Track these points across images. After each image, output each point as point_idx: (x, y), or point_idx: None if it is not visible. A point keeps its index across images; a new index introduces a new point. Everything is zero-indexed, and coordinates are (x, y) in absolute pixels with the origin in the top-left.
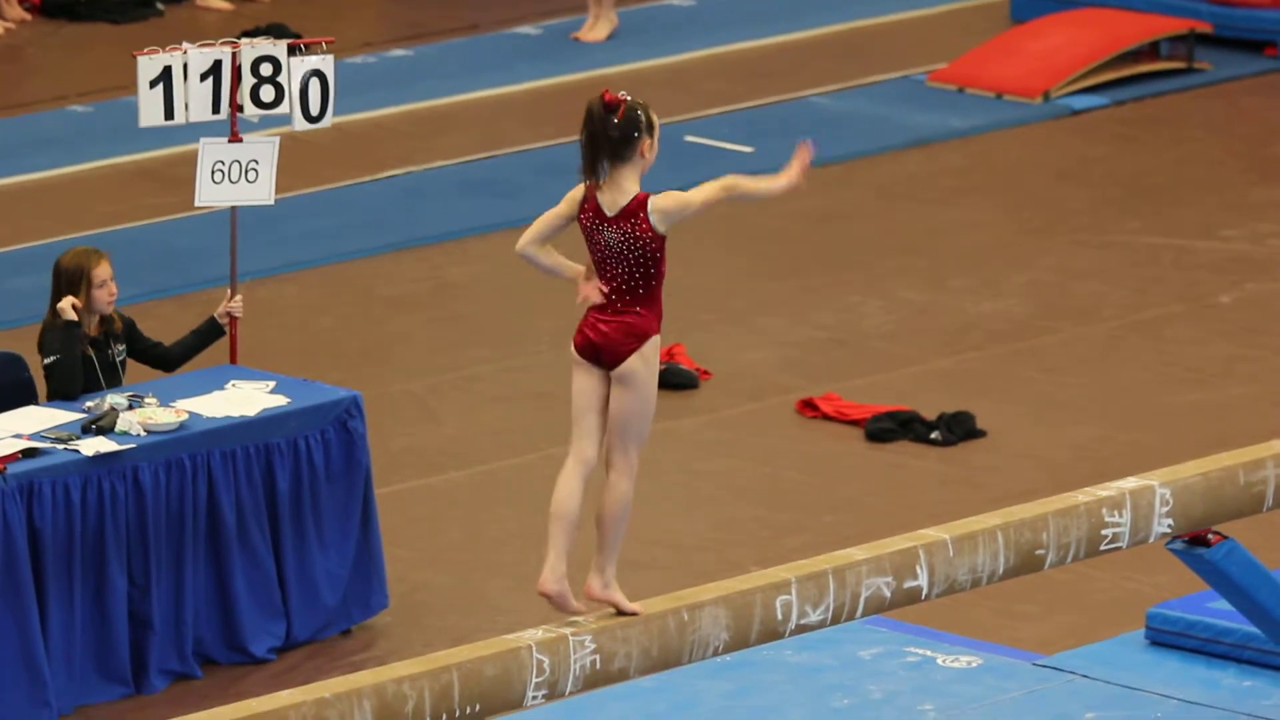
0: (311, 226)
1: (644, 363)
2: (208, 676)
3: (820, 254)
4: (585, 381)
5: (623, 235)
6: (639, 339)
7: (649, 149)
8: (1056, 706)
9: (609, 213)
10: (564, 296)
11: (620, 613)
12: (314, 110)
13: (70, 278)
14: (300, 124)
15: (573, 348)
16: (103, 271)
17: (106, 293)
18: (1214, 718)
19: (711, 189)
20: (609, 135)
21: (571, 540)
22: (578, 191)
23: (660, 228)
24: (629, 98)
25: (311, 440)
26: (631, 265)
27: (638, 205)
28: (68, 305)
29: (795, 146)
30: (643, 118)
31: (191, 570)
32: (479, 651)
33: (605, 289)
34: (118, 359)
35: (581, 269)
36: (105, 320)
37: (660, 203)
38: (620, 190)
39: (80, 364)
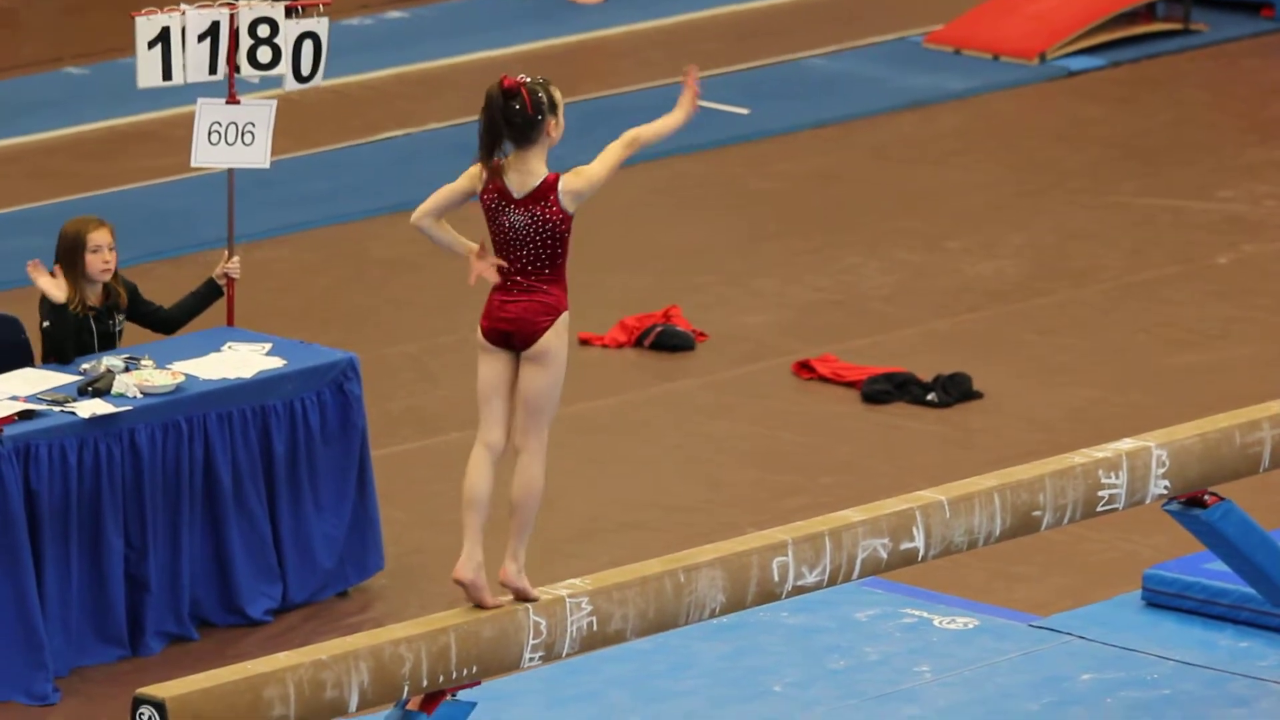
0: (307, 189)
1: (558, 339)
2: (204, 639)
3: (817, 216)
4: (491, 367)
5: (530, 217)
6: (552, 314)
7: (554, 128)
8: (1053, 668)
9: (516, 195)
10: None
11: (523, 599)
12: (305, 71)
13: (68, 242)
14: (291, 84)
15: (479, 333)
16: (99, 237)
17: (100, 259)
18: (1210, 679)
19: (615, 152)
20: (511, 121)
21: (485, 527)
22: (477, 168)
23: (570, 208)
24: (528, 80)
25: (308, 402)
26: (538, 247)
27: (548, 188)
28: (39, 278)
29: (684, 74)
30: (545, 98)
31: (188, 532)
32: (476, 613)
33: (508, 268)
34: (116, 329)
35: (476, 246)
36: (109, 291)
37: (572, 184)
38: (528, 172)
39: (70, 339)
